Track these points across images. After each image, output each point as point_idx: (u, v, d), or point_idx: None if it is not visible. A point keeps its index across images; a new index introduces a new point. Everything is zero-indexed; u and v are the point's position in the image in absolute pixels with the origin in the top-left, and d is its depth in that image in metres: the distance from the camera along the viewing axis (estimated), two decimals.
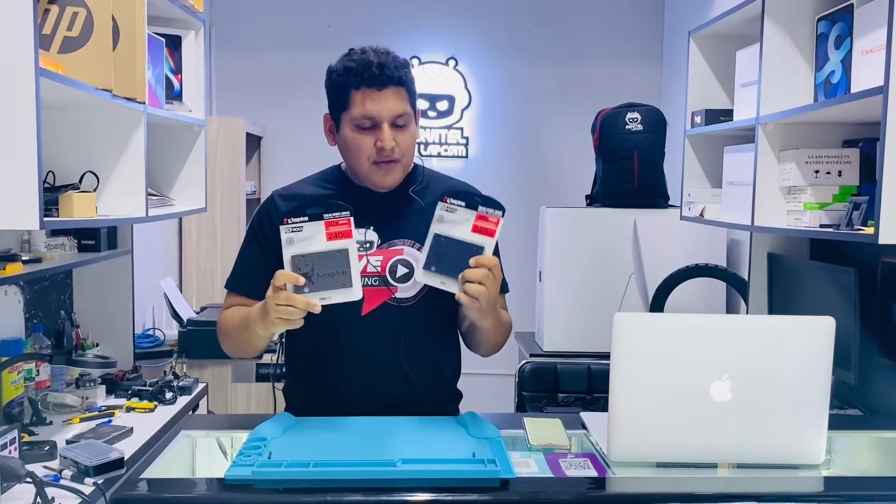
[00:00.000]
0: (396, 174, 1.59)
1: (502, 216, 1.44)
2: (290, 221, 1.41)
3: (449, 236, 1.44)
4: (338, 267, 1.40)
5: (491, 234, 1.44)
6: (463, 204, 1.45)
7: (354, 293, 1.42)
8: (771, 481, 1.30)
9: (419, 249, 1.58)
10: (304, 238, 1.40)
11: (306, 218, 1.40)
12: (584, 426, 1.53)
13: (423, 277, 1.47)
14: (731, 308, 3.34)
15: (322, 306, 1.40)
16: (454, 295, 1.52)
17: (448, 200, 1.45)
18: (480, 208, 1.44)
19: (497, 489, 1.21)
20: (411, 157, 1.62)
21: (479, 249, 1.44)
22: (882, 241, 1.58)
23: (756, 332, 1.33)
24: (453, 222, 1.44)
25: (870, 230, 1.65)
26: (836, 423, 1.68)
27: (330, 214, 1.40)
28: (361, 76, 1.53)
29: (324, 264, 1.40)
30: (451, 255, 1.44)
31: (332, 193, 1.65)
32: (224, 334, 1.63)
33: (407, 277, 1.59)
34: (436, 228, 1.46)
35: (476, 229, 1.44)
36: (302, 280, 1.39)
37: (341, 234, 1.41)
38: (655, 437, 1.32)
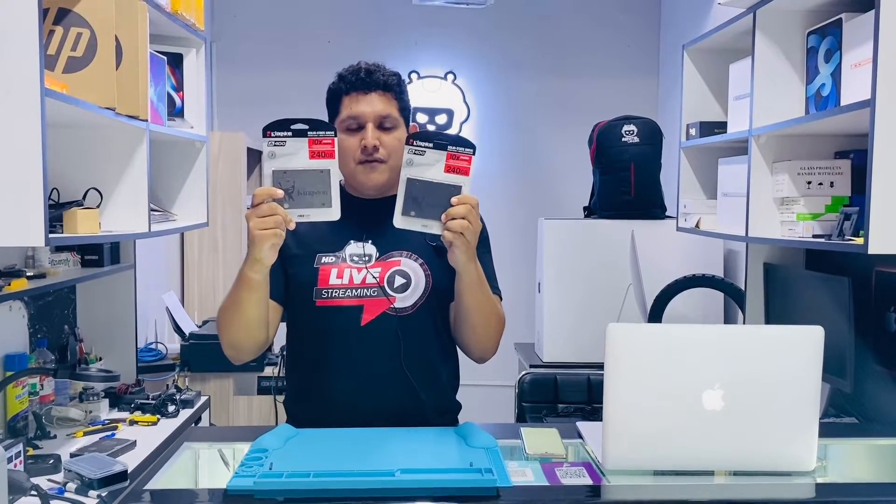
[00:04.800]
0: (381, 174, 1.62)
1: (473, 153, 1.42)
2: (273, 135, 1.37)
3: (423, 179, 1.42)
4: (319, 186, 1.38)
5: (465, 172, 1.42)
6: (430, 145, 1.41)
7: (333, 213, 1.40)
8: (763, 488, 1.32)
9: (416, 259, 1.62)
10: (286, 153, 1.37)
11: (290, 133, 1.37)
12: (580, 435, 1.55)
13: (402, 223, 1.44)
14: (728, 317, 3.36)
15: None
16: (447, 291, 1.54)
17: (414, 143, 1.42)
18: (450, 148, 1.41)
19: (493, 498, 1.23)
20: (398, 161, 1.61)
21: (456, 189, 1.42)
22: (871, 251, 1.60)
23: (747, 341, 1.36)
24: (424, 164, 1.42)
25: (860, 240, 1.67)
26: (831, 431, 1.71)
27: (315, 133, 1.37)
28: (350, 81, 1.62)
29: (305, 182, 1.37)
30: (429, 198, 1.42)
31: None
32: (220, 314, 1.58)
33: (405, 287, 1.61)
34: (407, 172, 1.42)
35: (448, 169, 1.42)
36: (280, 193, 1.38)
37: (324, 154, 1.38)
38: (649, 446, 1.34)
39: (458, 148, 1.42)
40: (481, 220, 1.52)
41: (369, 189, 1.65)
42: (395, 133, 1.63)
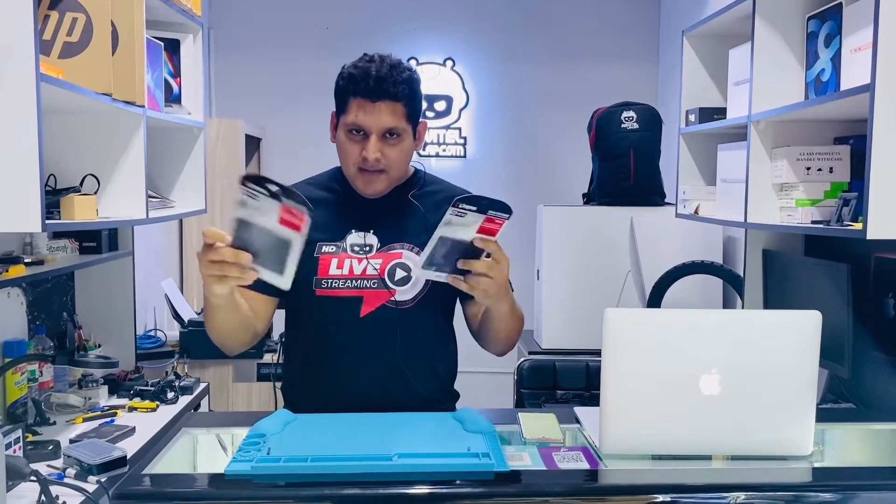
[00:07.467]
0: (380, 184, 1.61)
1: (508, 218, 1.43)
2: (248, 185, 1.28)
3: (454, 238, 1.42)
4: (277, 251, 1.32)
5: (493, 233, 1.43)
6: (474, 209, 1.41)
7: (283, 282, 1.34)
8: (760, 472, 1.32)
9: (417, 253, 1.61)
10: (256, 208, 1.29)
11: (267, 192, 1.29)
12: (577, 420, 1.55)
13: (422, 274, 1.48)
14: (727, 304, 3.36)
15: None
16: (453, 295, 1.53)
17: (459, 206, 1.40)
18: (490, 212, 1.41)
19: (491, 482, 1.23)
20: (400, 169, 1.63)
21: (479, 250, 1.43)
22: (870, 236, 1.60)
23: (744, 326, 1.36)
24: (462, 226, 1.42)
25: (859, 226, 1.67)
26: (829, 417, 1.71)
27: (290, 201, 1.30)
28: (358, 85, 1.55)
29: (266, 242, 1.31)
30: (451, 254, 1.43)
31: (335, 197, 1.68)
32: (204, 319, 1.60)
33: (405, 280, 1.60)
34: (442, 231, 1.42)
35: (481, 230, 1.42)
36: (229, 238, 1.30)
37: (292, 225, 1.31)
38: (646, 430, 1.34)
39: (496, 213, 1.41)
40: None
41: (367, 195, 1.63)
42: (399, 144, 1.59)
